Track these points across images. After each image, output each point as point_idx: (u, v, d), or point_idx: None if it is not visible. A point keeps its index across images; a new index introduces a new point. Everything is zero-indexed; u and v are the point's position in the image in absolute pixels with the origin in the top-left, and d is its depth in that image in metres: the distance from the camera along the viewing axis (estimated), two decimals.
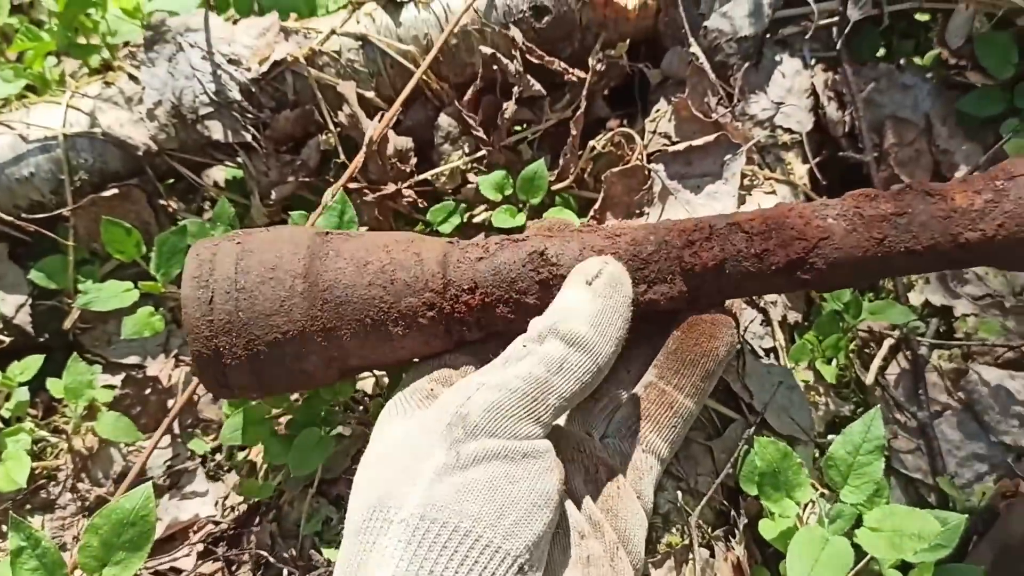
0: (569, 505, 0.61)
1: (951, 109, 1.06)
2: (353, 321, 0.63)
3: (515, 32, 0.94)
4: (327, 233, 0.66)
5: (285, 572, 0.79)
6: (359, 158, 0.89)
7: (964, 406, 0.93)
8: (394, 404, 0.63)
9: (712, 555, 0.74)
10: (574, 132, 0.95)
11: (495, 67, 0.94)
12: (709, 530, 0.76)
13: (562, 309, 0.58)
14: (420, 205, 0.97)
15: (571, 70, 0.96)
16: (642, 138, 0.95)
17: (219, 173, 1.04)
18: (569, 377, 0.56)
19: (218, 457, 0.93)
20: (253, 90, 0.92)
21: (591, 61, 0.97)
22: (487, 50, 0.93)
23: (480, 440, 0.52)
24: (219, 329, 0.62)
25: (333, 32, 0.95)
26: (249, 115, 0.92)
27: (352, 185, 0.90)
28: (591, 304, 0.58)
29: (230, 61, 0.92)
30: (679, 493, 0.74)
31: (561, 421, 0.67)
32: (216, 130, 0.92)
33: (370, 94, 0.95)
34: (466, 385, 0.56)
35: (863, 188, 0.66)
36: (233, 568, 0.84)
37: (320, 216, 0.81)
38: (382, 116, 0.91)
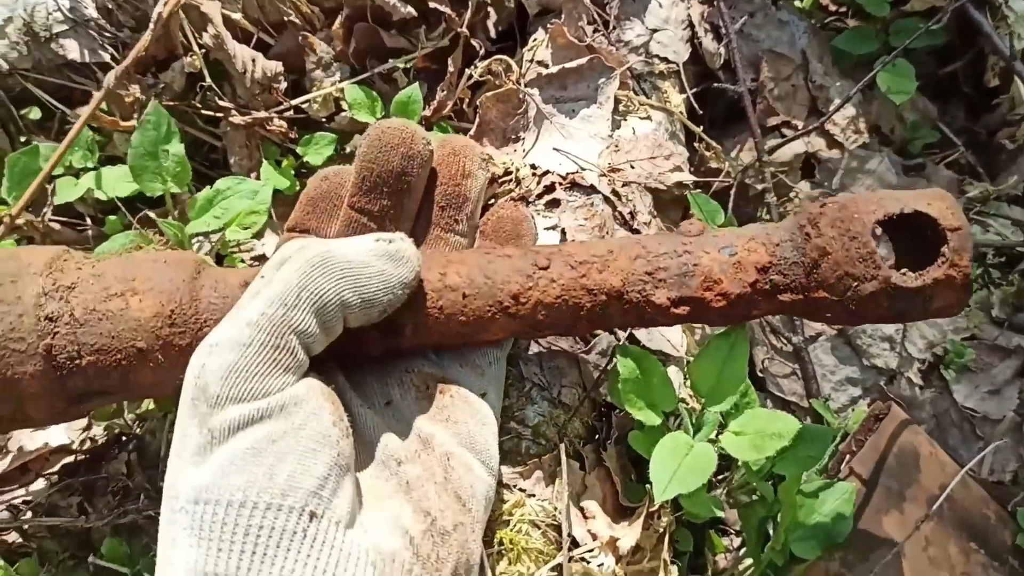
0: (387, 434, 0.59)
1: (827, 47, 1.07)
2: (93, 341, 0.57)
3: None
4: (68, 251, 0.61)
5: (143, 498, 0.76)
6: (145, 37, 0.83)
7: (837, 332, 0.94)
8: None
9: (583, 467, 0.73)
10: (452, 68, 0.94)
11: None
12: (580, 444, 0.75)
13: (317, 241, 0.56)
14: (291, 136, 0.94)
15: (440, 4, 0.95)
16: (520, 67, 0.93)
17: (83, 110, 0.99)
18: (305, 308, 0.52)
19: None
20: (110, 7, 0.88)
21: None
22: None
23: (227, 410, 0.49)
24: None
25: None
26: (107, 34, 0.88)
27: (223, 105, 0.87)
28: (360, 242, 0.56)
29: None
30: (546, 404, 0.73)
31: None
32: (72, 49, 0.88)
33: (237, 15, 0.91)
34: (201, 349, 0.51)
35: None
36: (91, 498, 0.80)
37: (136, 130, 0.77)
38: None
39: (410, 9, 0.92)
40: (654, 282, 0.62)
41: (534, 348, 0.75)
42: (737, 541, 0.88)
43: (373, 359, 0.64)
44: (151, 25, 0.81)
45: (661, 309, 0.63)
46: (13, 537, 0.79)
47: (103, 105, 0.92)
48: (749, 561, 0.80)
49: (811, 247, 0.60)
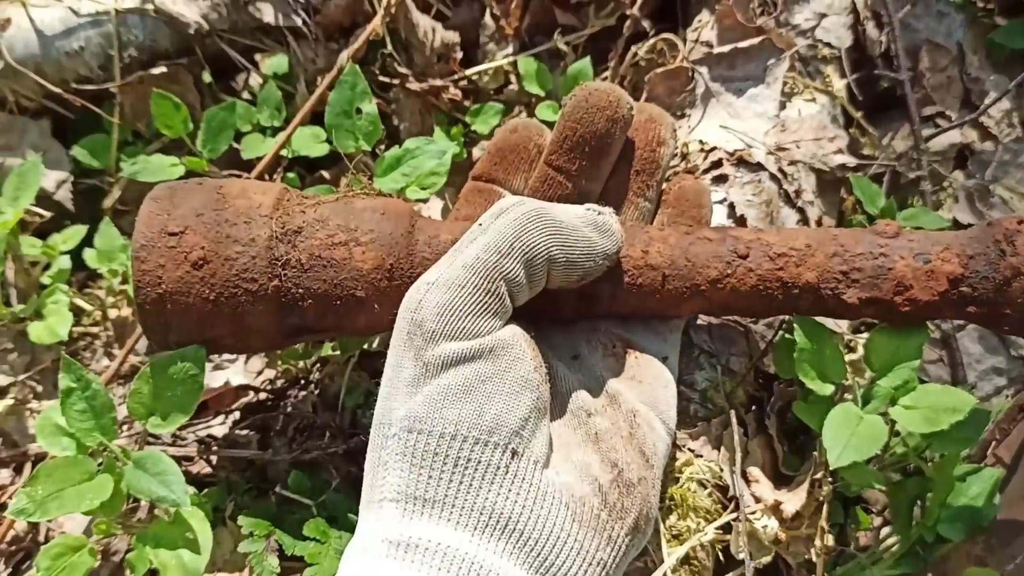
0: (577, 386, 0.63)
1: (983, 41, 1.08)
2: (316, 287, 0.62)
3: None
4: (288, 190, 0.66)
5: (327, 435, 0.80)
6: (375, 21, 0.88)
7: None
8: None
9: (746, 434, 0.76)
10: (619, 47, 0.97)
11: None
12: (743, 411, 0.77)
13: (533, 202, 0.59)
14: (462, 104, 0.98)
15: None
16: (684, 46, 0.96)
17: (266, 66, 1.04)
18: (516, 257, 0.56)
19: None
20: None
21: None
22: None
23: (440, 346, 0.53)
24: (174, 278, 0.60)
25: None
26: (301, 0, 0.93)
27: (401, 71, 0.92)
28: (573, 209, 0.60)
29: None
30: (716, 370, 0.76)
31: None
32: (267, 13, 0.93)
33: None
34: (417, 287, 0.55)
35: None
36: (272, 436, 0.85)
37: (333, 90, 0.82)
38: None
39: None
40: (847, 281, 0.65)
41: (704, 316, 0.78)
42: (878, 520, 0.89)
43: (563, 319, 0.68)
44: (380, 10, 0.86)
45: (849, 307, 0.65)
46: (201, 468, 0.84)
47: (284, 69, 0.98)
48: (893, 539, 0.82)
49: (1005, 265, 0.62)
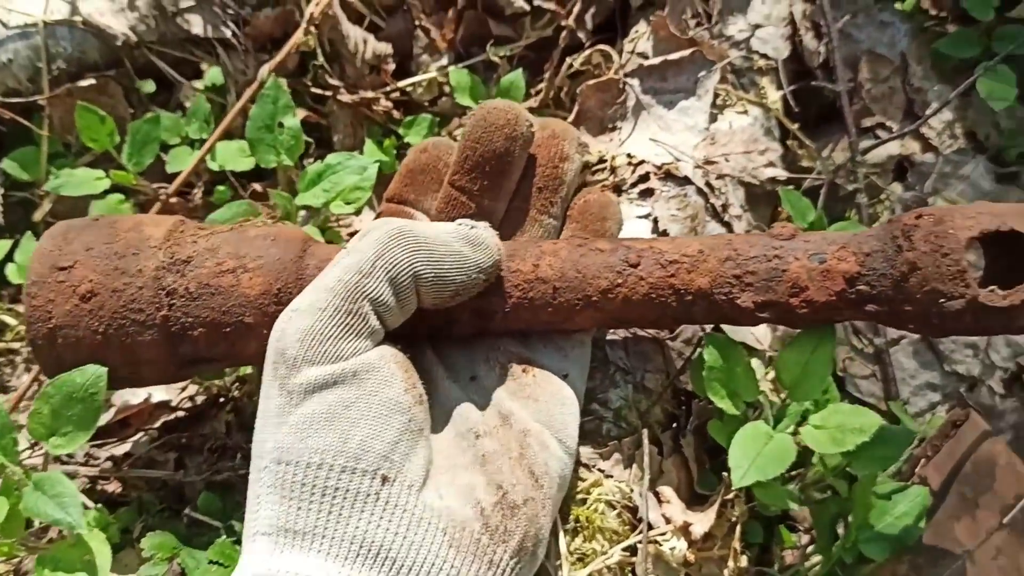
0: (469, 407, 0.62)
1: (927, 51, 1.07)
2: (205, 315, 0.62)
3: None
4: (184, 222, 0.66)
5: (239, 456, 0.80)
6: (297, 34, 0.88)
7: (920, 336, 0.94)
8: None
9: (660, 453, 0.76)
10: (554, 58, 0.96)
11: None
12: (659, 429, 0.77)
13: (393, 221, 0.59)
14: (395, 116, 0.97)
15: (548, 3, 0.97)
16: (620, 57, 0.96)
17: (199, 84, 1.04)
18: (387, 272, 0.56)
19: None
20: None
21: None
22: None
23: (303, 372, 0.53)
24: (63, 312, 0.61)
25: None
26: (230, 11, 0.93)
27: (332, 83, 0.91)
28: (446, 227, 0.60)
29: None
30: (629, 388, 0.75)
31: None
32: (196, 24, 0.93)
33: None
34: (283, 315, 0.55)
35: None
36: (188, 455, 0.85)
37: (254, 104, 0.81)
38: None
39: (523, 4, 0.95)
40: (741, 285, 0.64)
41: (620, 332, 0.77)
42: (805, 539, 0.89)
43: (463, 337, 0.68)
44: (303, 23, 0.86)
45: (745, 312, 0.65)
46: (114, 487, 0.84)
47: (220, 81, 0.98)
48: (817, 558, 0.81)
49: (902, 260, 0.61)
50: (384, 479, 0.52)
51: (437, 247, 0.57)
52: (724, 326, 0.80)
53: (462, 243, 0.59)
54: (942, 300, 0.59)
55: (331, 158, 0.83)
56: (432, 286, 0.58)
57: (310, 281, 0.61)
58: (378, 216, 0.72)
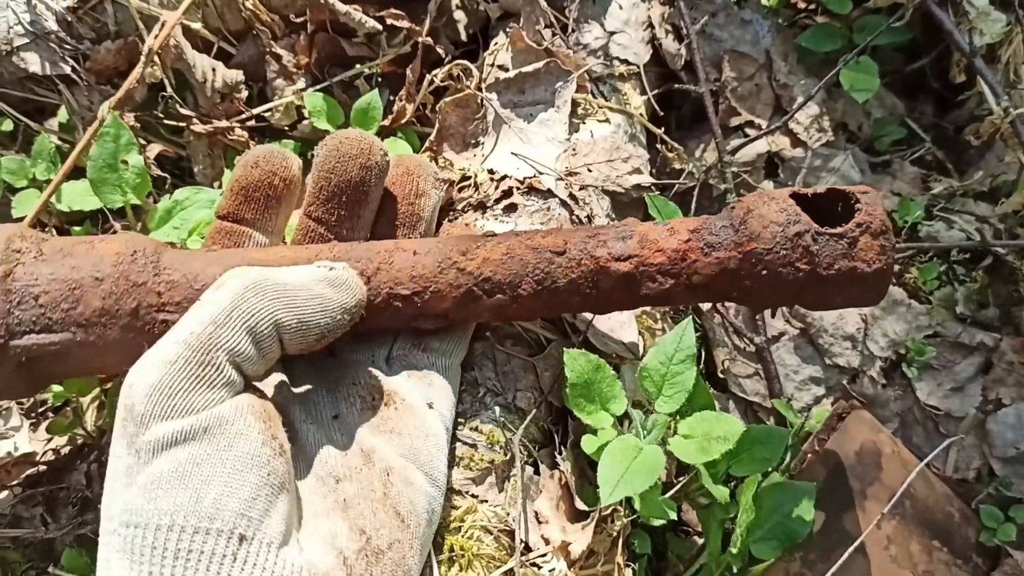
0: (329, 449, 0.60)
1: (791, 45, 1.08)
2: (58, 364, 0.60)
3: None
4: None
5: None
6: (136, 69, 0.85)
7: (800, 331, 0.94)
8: None
9: (537, 472, 0.74)
10: (411, 76, 0.94)
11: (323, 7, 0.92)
12: (535, 448, 0.75)
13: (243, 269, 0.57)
14: (253, 144, 0.95)
15: (401, 21, 0.95)
16: (481, 71, 0.94)
17: (54, 123, 1.00)
18: (242, 325, 0.53)
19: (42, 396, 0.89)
20: (70, 20, 0.89)
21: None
22: None
23: (152, 429, 0.50)
24: None
25: None
26: (67, 46, 0.89)
27: (184, 113, 0.88)
28: (306, 271, 0.58)
29: None
30: (501, 410, 0.73)
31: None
32: (33, 62, 0.89)
33: (197, 25, 0.92)
34: (132, 369, 0.52)
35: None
36: (54, 508, 0.81)
37: (94, 143, 0.78)
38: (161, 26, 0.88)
39: (374, 24, 0.92)
40: (595, 242, 0.65)
41: (488, 352, 0.75)
42: (700, 542, 0.88)
43: (322, 372, 0.65)
44: (142, 58, 0.83)
45: (604, 266, 0.64)
46: None
47: (65, 118, 0.94)
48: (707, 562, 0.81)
49: (738, 209, 0.65)
50: (241, 538, 0.49)
51: (298, 293, 0.55)
52: (596, 338, 0.79)
53: (323, 286, 0.56)
54: (781, 229, 0.63)
55: (179, 193, 0.80)
56: (296, 333, 0.55)
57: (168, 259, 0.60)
58: (209, 235, 0.69)
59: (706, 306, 0.93)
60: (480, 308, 0.65)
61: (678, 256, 0.64)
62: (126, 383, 0.51)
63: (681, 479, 0.82)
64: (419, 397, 0.65)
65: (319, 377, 0.65)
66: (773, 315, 0.95)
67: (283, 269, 0.57)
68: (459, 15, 1.01)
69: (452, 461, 0.69)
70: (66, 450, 0.85)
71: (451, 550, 0.68)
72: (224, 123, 0.90)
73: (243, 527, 0.49)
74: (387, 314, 0.64)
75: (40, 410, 0.89)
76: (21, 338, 0.58)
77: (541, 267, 0.64)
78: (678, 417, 0.72)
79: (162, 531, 0.48)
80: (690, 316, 0.73)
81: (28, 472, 0.84)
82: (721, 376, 0.93)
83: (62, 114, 0.95)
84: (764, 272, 0.64)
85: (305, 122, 0.94)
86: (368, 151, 0.65)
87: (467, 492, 0.70)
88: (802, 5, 1.13)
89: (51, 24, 0.88)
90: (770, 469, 0.78)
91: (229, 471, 0.50)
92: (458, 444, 0.71)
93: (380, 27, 0.93)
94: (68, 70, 0.89)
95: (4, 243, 0.60)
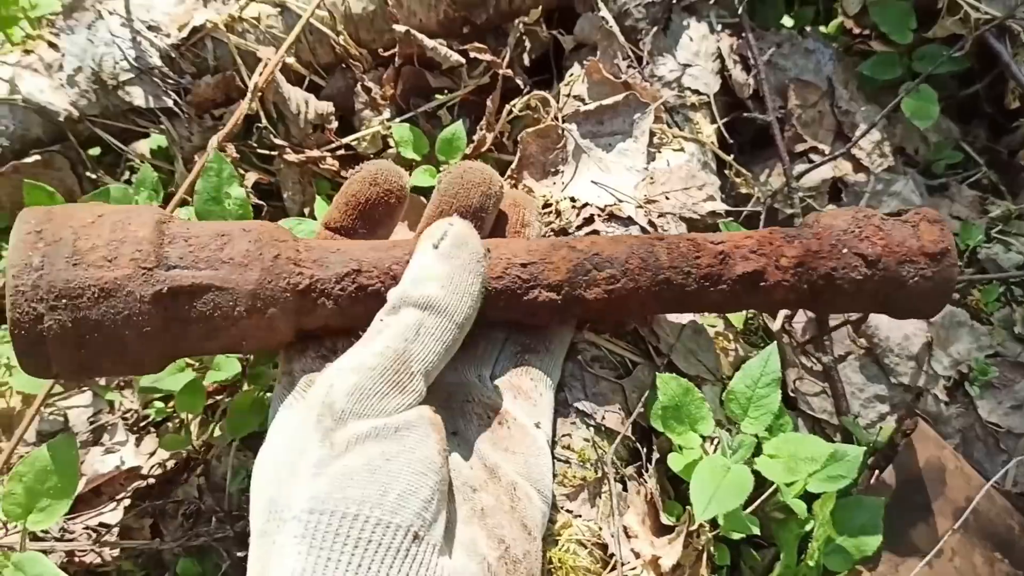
0: (459, 461, 0.63)
1: (853, 73, 1.11)
2: (195, 309, 0.61)
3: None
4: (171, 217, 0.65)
5: (214, 520, 0.81)
6: (242, 106, 0.90)
7: (865, 351, 0.98)
8: (278, 396, 0.64)
9: (625, 489, 0.78)
10: (491, 106, 0.99)
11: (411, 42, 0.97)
12: (623, 466, 0.79)
13: (413, 276, 0.61)
14: (342, 173, 0.99)
15: (483, 55, 0.99)
16: (557, 101, 0.98)
17: (144, 146, 1.05)
18: (428, 342, 0.59)
19: (145, 411, 0.94)
20: (173, 56, 0.94)
21: (509, 32, 1.00)
22: (400, 28, 0.96)
23: (349, 425, 0.54)
24: (45, 299, 0.58)
25: None
26: (170, 81, 0.94)
27: (278, 143, 0.93)
28: (440, 265, 0.61)
29: (149, 28, 0.93)
30: (591, 429, 0.77)
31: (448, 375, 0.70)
32: (137, 96, 0.93)
33: (290, 60, 0.97)
34: (328, 373, 0.58)
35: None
36: (163, 520, 0.85)
37: (200, 177, 0.82)
38: (264, 66, 0.93)
39: (458, 58, 0.97)
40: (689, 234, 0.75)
41: (578, 374, 0.79)
42: (771, 553, 0.91)
43: (434, 391, 0.69)
44: (248, 95, 0.87)
45: (700, 244, 0.72)
46: (91, 558, 0.84)
47: (164, 144, 0.99)
48: None
49: (809, 217, 0.77)
50: (415, 536, 0.53)
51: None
52: (680, 362, 0.83)
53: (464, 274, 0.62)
54: (849, 215, 0.74)
55: (283, 223, 0.84)
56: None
57: None
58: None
59: (776, 326, 0.97)
60: (591, 282, 0.70)
61: (765, 240, 0.72)
62: (324, 384, 0.56)
63: (761, 496, 0.86)
64: (526, 417, 0.69)
65: (432, 396, 0.69)
66: (850, 324, 0.98)
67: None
68: (529, 44, 1.05)
69: None
70: (170, 464, 0.90)
71: (551, 562, 0.72)
72: (316, 152, 0.95)
73: (418, 526, 0.53)
74: (502, 299, 0.68)
75: (142, 424, 0.94)
76: (168, 271, 0.60)
77: (645, 246, 0.71)
78: (763, 438, 0.76)
79: (347, 519, 0.51)
80: (775, 343, 0.77)
81: (136, 485, 0.89)
82: (791, 395, 0.96)
83: (158, 139, 1.00)
84: (844, 250, 0.71)
85: (390, 150, 0.99)
86: (489, 181, 0.70)
87: (562, 507, 0.74)
88: (857, 31, 1.16)
89: (155, 60, 0.93)
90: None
91: (413, 472, 0.54)
92: (553, 461, 0.75)
93: (463, 60, 0.97)
94: (171, 103, 0.94)
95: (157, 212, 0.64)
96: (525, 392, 0.70)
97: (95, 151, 1.04)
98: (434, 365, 0.59)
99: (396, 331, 0.58)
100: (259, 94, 0.93)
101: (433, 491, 0.55)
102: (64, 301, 0.58)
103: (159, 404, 0.92)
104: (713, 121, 1.01)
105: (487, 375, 0.71)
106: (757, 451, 0.77)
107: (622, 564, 0.72)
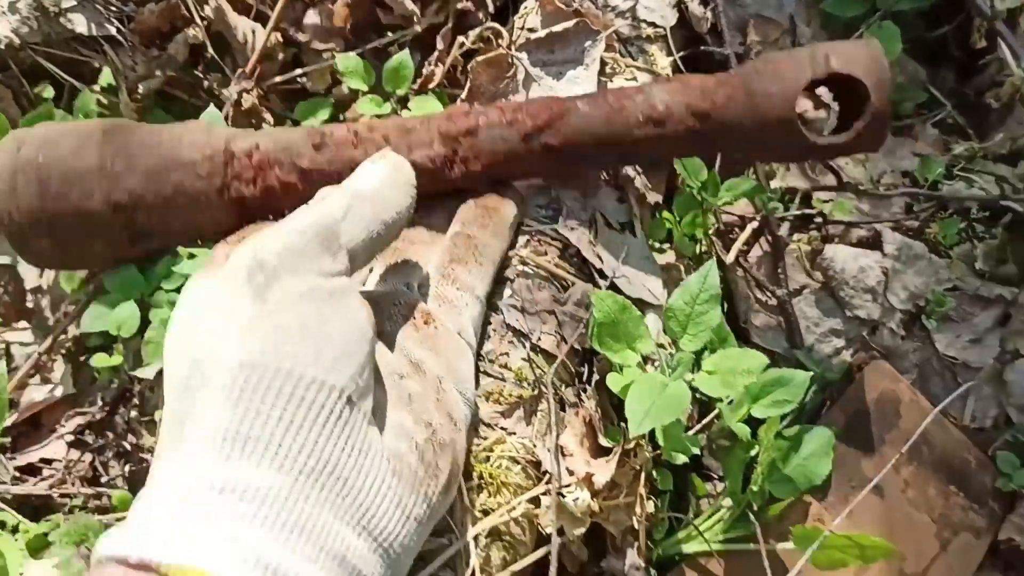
0: (385, 351, 0.62)
1: (816, 10, 1.10)
2: (147, 192, 0.68)
3: None
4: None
5: (150, 457, 0.80)
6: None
7: (821, 284, 0.97)
8: (197, 271, 0.64)
9: (562, 409, 0.77)
10: (442, 41, 0.98)
11: None
12: (562, 386, 0.78)
13: (349, 178, 0.62)
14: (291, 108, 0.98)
15: None
16: (511, 34, 0.97)
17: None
18: (356, 224, 0.58)
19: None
20: None
21: None
22: None
23: (283, 280, 0.53)
24: (23, 208, 0.66)
25: None
26: (113, 8, 0.92)
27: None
28: (373, 173, 0.62)
29: None
30: (528, 349, 0.76)
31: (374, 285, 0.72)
32: (80, 23, 0.92)
33: None
34: (251, 240, 0.56)
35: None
36: (102, 455, 0.85)
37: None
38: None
39: (412, 7, 0.96)
40: None
41: (518, 295, 0.78)
42: (720, 487, 0.90)
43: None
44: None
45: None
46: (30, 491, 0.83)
47: (111, 80, 0.97)
48: (729, 502, 0.83)
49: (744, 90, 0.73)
50: (349, 401, 0.51)
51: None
52: (620, 282, 0.82)
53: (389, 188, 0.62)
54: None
55: None
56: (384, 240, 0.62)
57: None
58: None
59: (729, 259, 0.96)
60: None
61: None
62: (248, 247, 0.55)
63: (705, 422, 0.85)
64: (452, 323, 0.68)
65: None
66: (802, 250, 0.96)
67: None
68: None
69: (482, 395, 0.73)
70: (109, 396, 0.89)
71: (480, 477, 0.71)
72: (251, 86, 0.93)
73: (351, 390, 0.52)
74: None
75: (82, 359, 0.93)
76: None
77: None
78: (703, 356, 0.75)
79: (280, 374, 0.49)
80: (714, 259, 0.76)
81: (76, 422, 0.88)
82: (743, 327, 0.95)
83: (107, 76, 0.98)
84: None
85: (340, 86, 0.97)
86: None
87: (496, 425, 0.73)
88: None
89: None
90: (790, 411, 0.80)
91: (348, 337, 0.53)
92: (488, 379, 0.74)
93: (417, 11, 0.96)
94: (114, 31, 0.92)
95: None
96: (450, 300, 0.69)
97: (48, 92, 1.02)
98: (359, 248, 0.58)
99: (324, 209, 0.57)
100: (205, 23, 0.92)
101: (366, 359, 0.54)
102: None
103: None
104: (669, 54, 0.99)
105: (415, 284, 0.70)
106: (698, 369, 0.76)
107: (559, 481, 0.71)
